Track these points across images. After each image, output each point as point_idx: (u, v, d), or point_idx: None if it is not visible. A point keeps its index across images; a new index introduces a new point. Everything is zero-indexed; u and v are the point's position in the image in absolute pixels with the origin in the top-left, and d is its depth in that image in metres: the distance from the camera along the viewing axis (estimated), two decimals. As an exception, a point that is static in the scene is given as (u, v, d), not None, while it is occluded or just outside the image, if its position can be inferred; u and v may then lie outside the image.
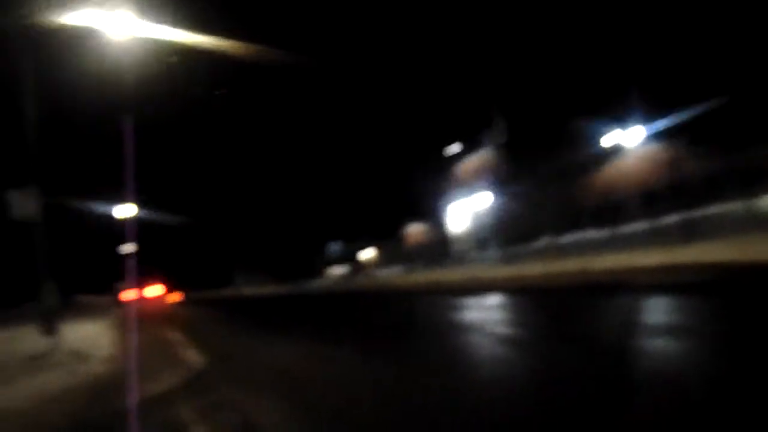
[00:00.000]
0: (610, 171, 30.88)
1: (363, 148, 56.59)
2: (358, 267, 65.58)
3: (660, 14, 26.27)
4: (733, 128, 20.68)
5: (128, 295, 63.96)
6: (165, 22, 13.48)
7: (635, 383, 5.20)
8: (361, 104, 59.99)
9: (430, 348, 8.98)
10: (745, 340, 6.24)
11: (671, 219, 19.00)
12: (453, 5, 37.16)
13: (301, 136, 78.83)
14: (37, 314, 14.88)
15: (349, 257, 69.31)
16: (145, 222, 60.68)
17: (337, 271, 71.38)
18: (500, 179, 39.44)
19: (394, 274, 47.34)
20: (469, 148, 43.69)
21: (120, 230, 52.15)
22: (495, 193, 39.93)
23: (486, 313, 13.15)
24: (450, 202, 45.93)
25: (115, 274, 59.47)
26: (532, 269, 21.10)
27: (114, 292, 62.61)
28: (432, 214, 48.93)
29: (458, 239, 45.30)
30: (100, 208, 41.95)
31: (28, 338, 14.72)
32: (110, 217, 44.00)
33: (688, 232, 17.19)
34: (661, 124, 26.69)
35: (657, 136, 27.46)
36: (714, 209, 17.76)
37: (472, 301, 15.92)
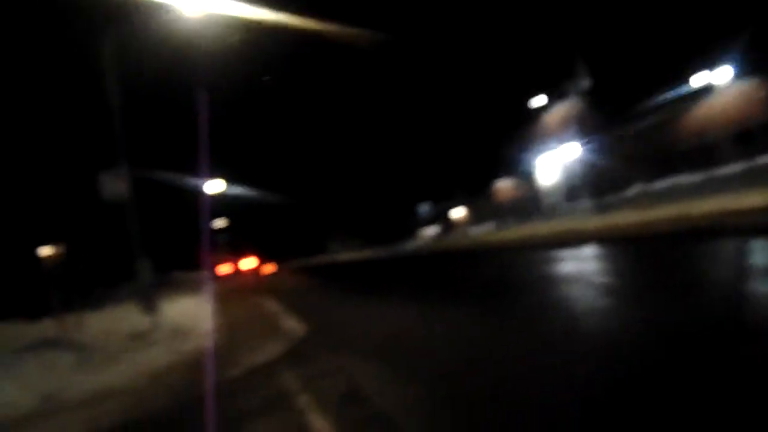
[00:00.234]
0: (701, 112, 29.72)
1: (449, 106, 56.15)
2: (450, 226, 65.55)
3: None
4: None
5: (223, 269, 65.99)
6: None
7: (753, 332, 4.86)
8: (447, 62, 59.42)
9: (532, 302, 8.78)
10: None
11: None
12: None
13: (388, 99, 78.75)
14: (135, 293, 15.39)
15: (440, 217, 69.32)
16: (237, 196, 62.15)
17: (430, 231, 71.56)
18: (588, 128, 38.65)
19: (485, 231, 47.06)
20: (555, 98, 42.86)
21: (212, 205, 53.66)
22: (583, 142, 39.25)
23: (584, 264, 12.77)
24: (538, 156, 45.26)
25: (210, 249, 61.33)
26: (626, 218, 20.45)
27: (209, 267, 64.63)
28: (521, 169, 48.29)
29: (548, 192, 44.81)
30: (190, 183, 43.08)
31: (128, 317, 15.24)
32: (202, 193, 45.11)
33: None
34: (753, 59, 25.28)
35: (749, 73, 26.07)
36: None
37: (567, 254, 15.52)
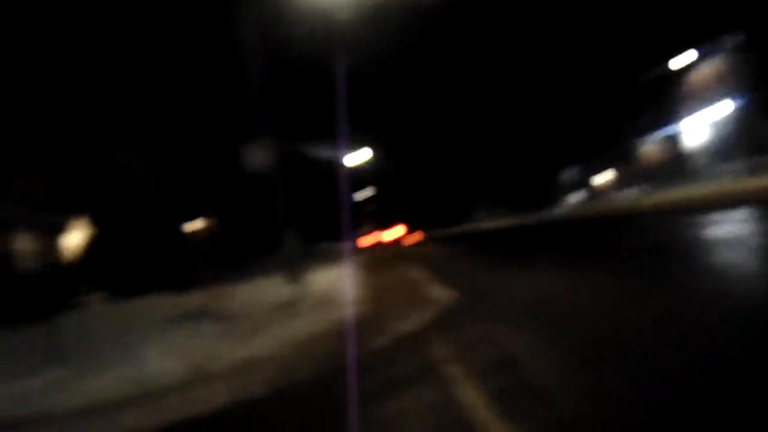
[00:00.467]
0: None
1: (592, 66, 54.25)
2: (595, 191, 64.06)
3: None
4: None
5: (369, 238, 67.06)
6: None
7: None
8: (585, 16, 57.33)
9: (686, 268, 8.31)
10: None
11: None
12: None
13: (531, 61, 77.13)
14: (282, 264, 15.75)
15: (584, 182, 67.80)
16: (382, 165, 62.85)
17: (574, 197, 70.29)
18: (739, 85, 36.22)
19: (632, 196, 45.67)
20: (704, 54, 40.30)
21: (357, 175, 54.56)
22: (734, 101, 36.99)
23: (740, 227, 11.91)
24: (685, 116, 43.06)
25: (356, 219, 62.52)
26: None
27: (355, 237, 65.86)
28: (667, 130, 46.16)
29: (697, 154, 42.73)
30: (336, 154, 43.91)
31: (274, 287, 15.63)
32: (347, 163, 45.91)
33: None
34: None
35: None
36: None
37: (720, 217, 14.60)
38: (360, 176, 60.92)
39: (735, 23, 35.29)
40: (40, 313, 15.43)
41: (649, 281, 7.82)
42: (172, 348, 8.83)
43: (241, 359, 8.24)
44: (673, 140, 46.31)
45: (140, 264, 27.66)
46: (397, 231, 74.25)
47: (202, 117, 39.14)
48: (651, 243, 13.01)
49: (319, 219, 49.32)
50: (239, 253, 39.21)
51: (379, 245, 65.44)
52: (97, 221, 27.54)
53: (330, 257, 33.81)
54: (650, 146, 51.12)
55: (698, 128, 42.74)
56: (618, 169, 58.01)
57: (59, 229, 26.10)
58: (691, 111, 42.40)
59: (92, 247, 27.17)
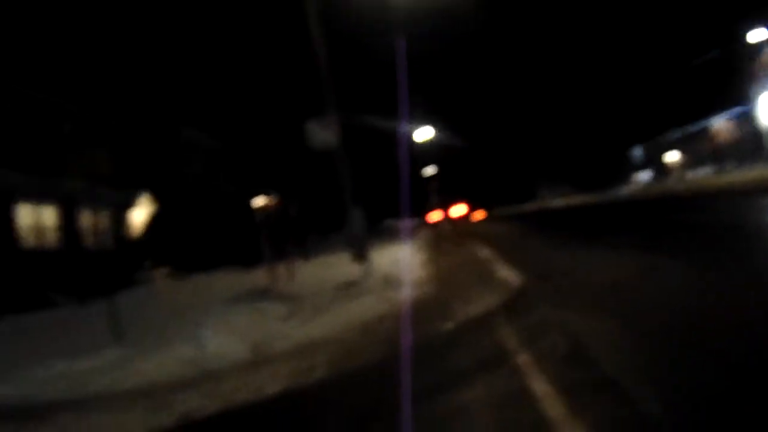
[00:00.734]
0: None
1: (663, 43, 52.79)
2: (664, 170, 62.63)
3: None
4: None
5: (434, 216, 66.81)
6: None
7: None
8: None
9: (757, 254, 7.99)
10: None
11: None
12: None
13: (599, 39, 75.43)
14: (347, 241, 15.58)
15: (653, 161, 66.32)
16: (447, 143, 62.44)
17: (643, 176, 68.96)
18: None
19: (703, 176, 44.47)
20: None
21: (422, 153, 54.24)
22: None
23: None
24: (759, 93, 41.41)
25: (420, 197, 62.26)
26: None
27: (420, 215, 65.68)
28: (741, 109, 44.58)
29: None
30: (401, 132, 43.71)
31: (339, 265, 15.51)
32: (412, 141, 45.62)
33: None
34: None
35: None
36: None
37: None
38: (424, 154, 60.53)
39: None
40: (106, 289, 15.63)
41: (725, 267, 7.53)
42: (233, 328, 8.72)
43: (303, 340, 8.08)
44: (747, 118, 44.82)
45: (204, 240, 27.92)
46: (460, 209, 73.79)
47: (268, 94, 39.33)
48: (724, 226, 12.48)
49: (384, 196, 49.23)
50: (304, 230, 39.38)
51: (445, 222, 65.16)
52: (160, 197, 27.83)
53: (395, 235, 33.65)
54: (723, 124, 49.64)
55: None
56: (688, 147, 56.55)
57: (126, 205, 26.48)
58: (764, 88, 40.92)
59: (155, 223, 27.50)
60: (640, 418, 3.48)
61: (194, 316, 9.53)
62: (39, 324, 12.52)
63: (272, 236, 19.98)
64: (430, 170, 69.04)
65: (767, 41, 39.95)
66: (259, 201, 35.42)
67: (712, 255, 8.84)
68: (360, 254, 14.44)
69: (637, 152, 71.28)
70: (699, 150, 52.68)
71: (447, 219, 69.15)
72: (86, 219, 23.35)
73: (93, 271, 20.76)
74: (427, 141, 50.18)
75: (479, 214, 76.14)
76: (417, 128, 47.53)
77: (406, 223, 42.38)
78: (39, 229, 20.72)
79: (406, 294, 10.86)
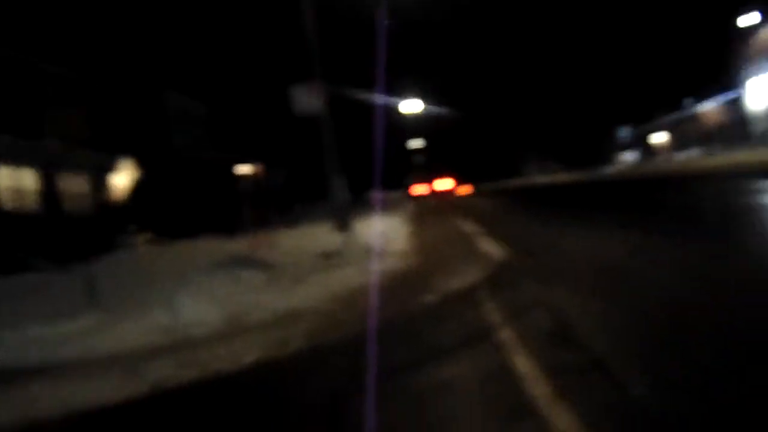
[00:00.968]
0: None
1: (652, 22, 52.69)
2: (650, 151, 62.89)
3: None
4: None
5: (418, 189, 66.70)
6: None
7: None
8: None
9: (752, 238, 7.88)
10: None
11: None
12: None
13: (587, 13, 75.11)
14: (329, 210, 15.41)
15: (640, 141, 66.55)
16: (434, 116, 62.18)
17: (629, 156, 69.30)
18: None
19: (689, 158, 44.78)
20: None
21: (409, 125, 53.99)
22: None
23: None
24: (748, 78, 41.51)
25: (405, 169, 62.10)
26: None
27: (404, 186, 65.52)
28: (728, 91, 44.69)
29: (758, 117, 41.37)
30: (388, 103, 43.39)
31: (321, 235, 15.35)
32: (399, 112, 45.34)
33: None
34: None
35: None
36: None
37: None
38: (411, 126, 60.32)
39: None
40: (86, 253, 15.41)
41: (709, 246, 7.58)
42: (212, 296, 8.55)
43: (281, 310, 7.92)
44: (734, 102, 44.93)
45: (186, 207, 27.66)
46: (446, 183, 73.64)
47: (255, 60, 38.86)
48: (712, 209, 12.45)
49: (370, 167, 49.01)
50: (288, 198, 39.14)
51: (430, 195, 65.11)
52: (143, 162, 27.50)
53: (380, 206, 33.51)
54: (710, 107, 49.75)
55: (761, 91, 41.32)
56: (675, 129, 56.72)
57: (108, 169, 26.14)
58: (753, 73, 40.99)
59: (138, 189, 27.20)
60: (628, 400, 3.34)
61: (172, 283, 9.34)
62: (15, 288, 12.28)
63: (254, 204, 19.78)
64: (417, 143, 68.88)
65: (758, 26, 39.83)
66: (244, 168, 35.15)
67: (689, 233, 8.90)
68: (343, 224, 14.29)
69: (625, 132, 71.41)
70: (687, 132, 52.84)
71: (432, 192, 69.07)
72: (66, 182, 22.99)
73: (73, 236, 20.51)
74: (414, 114, 49.92)
75: (465, 189, 76.00)
76: (405, 101, 47.20)
77: (391, 195, 42.26)
78: (18, 192, 20.39)
79: (388, 265, 10.73)
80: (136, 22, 31.45)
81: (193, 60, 35.23)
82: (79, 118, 23.76)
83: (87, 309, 8.85)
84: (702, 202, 14.22)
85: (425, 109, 53.73)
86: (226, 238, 18.31)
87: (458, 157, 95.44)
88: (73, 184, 23.51)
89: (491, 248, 11.04)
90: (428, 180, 71.86)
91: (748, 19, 39.06)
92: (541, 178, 76.08)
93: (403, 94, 45.03)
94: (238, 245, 15.20)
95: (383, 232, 16.74)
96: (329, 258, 11.79)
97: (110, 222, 24.39)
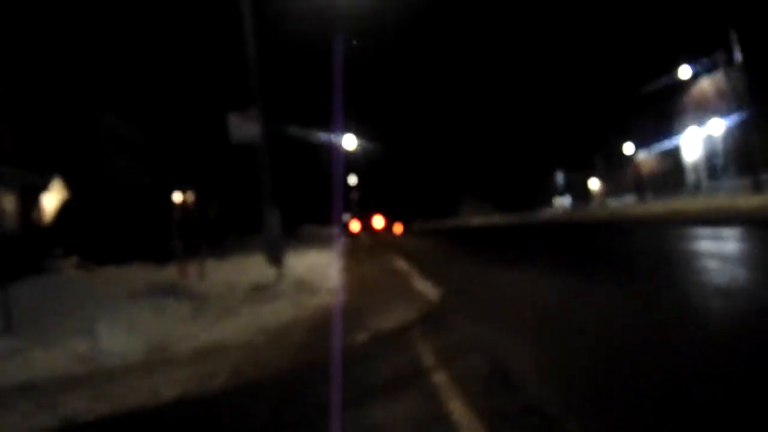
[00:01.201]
0: None
1: (588, 72, 54.17)
2: (586, 196, 64.23)
3: None
4: None
5: (352, 226, 66.56)
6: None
7: None
8: (584, 24, 57.22)
9: (691, 287, 7.77)
10: None
11: None
12: None
13: (526, 62, 76.71)
14: (262, 242, 15.07)
15: (575, 186, 67.92)
16: (368, 153, 62.30)
17: (564, 200, 70.56)
18: (737, 102, 36.28)
19: (624, 204, 45.96)
20: (702, 70, 40.20)
21: (343, 162, 53.93)
22: (731, 117, 37.56)
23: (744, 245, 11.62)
24: (682, 129, 43.21)
25: (342, 205, 61.90)
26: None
27: (339, 223, 65.32)
28: (663, 142, 46.31)
29: (692, 167, 43.04)
30: (323, 138, 43.30)
31: (253, 267, 15.00)
32: (334, 148, 45.27)
33: None
34: None
35: None
36: None
37: (727, 233, 14.36)
38: (348, 162, 60.30)
39: (736, 40, 35.10)
40: (8, 275, 14.73)
41: (644, 295, 7.46)
42: (133, 324, 8.16)
43: (207, 343, 7.57)
44: (669, 152, 46.37)
45: (117, 232, 26.90)
46: (380, 220, 73.79)
47: (195, 90, 38.40)
48: (650, 254, 12.63)
49: (303, 201, 48.79)
50: (221, 229, 38.53)
51: (363, 232, 65.06)
52: (72, 183, 26.69)
53: (315, 240, 33.21)
54: (645, 155, 51.15)
55: (694, 142, 42.71)
56: (611, 176, 58.04)
57: (39, 188, 25.29)
58: (688, 125, 42.39)
59: (66, 210, 26.35)
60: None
61: (94, 310, 8.90)
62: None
63: (185, 233, 19.30)
64: (351, 180, 68.86)
65: (691, 81, 41.15)
66: (177, 196, 34.47)
67: (629, 279, 8.91)
68: (276, 257, 13.96)
69: (560, 177, 72.69)
70: (621, 179, 54.21)
71: (366, 229, 69.02)
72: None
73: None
74: (348, 150, 49.93)
75: (399, 227, 76.19)
76: (343, 136, 47.21)
77: (325, 230, 42.02)
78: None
79: (320, 301, 10.47)
80: (75, 46, 30.76)
81: (134, 86, 34.60)
82: (5, 134, 22.98)
83: (0, 334, 8.34)
84: (634, 248, 14.43)
85: (361, 145, 53.84)
86: (156, 266, 17.81)
87: (393, 196, 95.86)
88: (3, 203, 22.64)
89: (424, 288, 10.88)
90: (362, 217, 71.89)
91: (683, 73, 40.33)
92: (476, 220, 76.79)
93: (342, 129, 45.00)
94: (168, 274, 14.75)
95: (316, 267, 16.48)
96: (260, 291, 11.47)
97: (37, 243, 23.50)
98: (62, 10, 30.79)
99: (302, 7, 24.22)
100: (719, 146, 39.82)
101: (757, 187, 28.19)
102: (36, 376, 6.60)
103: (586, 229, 25.84)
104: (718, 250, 11.27)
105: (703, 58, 38.89)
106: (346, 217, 67.70)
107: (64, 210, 26.31)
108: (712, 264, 9.39)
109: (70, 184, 26.63)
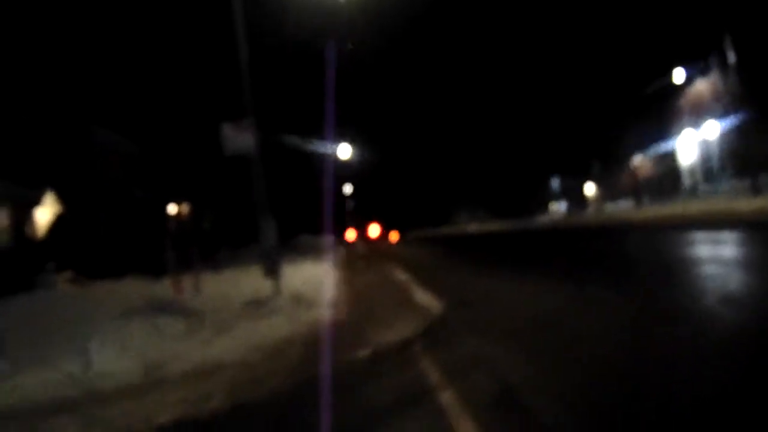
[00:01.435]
0: None
1: (585, 76, 54.04)
2: (583, 202, 64.06)
3: None
4: None
5: (349, 235, 66.30)
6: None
7: None
8: (578, 29, 57.26)
9: (697, 292, 7.63)
10: None
11: None
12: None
13: (519, 67, 76.75)
14: (257, 255, 14.81)
15: (572, 192, 67.71)
16: (364, 163, 62.18)
17: (561, 206, 70.39)
18: (733, 105, 36.30)
19: (621, 209, 45.87)
20: (698, 73, 40.20)
21: (339, 171, 53.78)
22: (727, 120, 37.52)
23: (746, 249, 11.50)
24: (678, 133, 43.22)
25: (335, 215, 61.65)
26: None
27: (335, 233, 65.07)
28: (659, 146, 46.30)
29: (688, 171, 43.00)
30: (319, 148, 43.16)
31: (248, 280, 14.77)
32: (330, 158, 45.12)
33: None
34: None
35: None
36: None
37: (727, 236, 14.21)
38: (344, 172, 60.18)
39: (731, 42, 35.10)
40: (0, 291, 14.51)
41: (653, 303, 7.30)
42: (127, 344, 7.91)
43: (202, 362, 7.31)
44: (665, 156, 46.29)
45: (111, 245, 26.63)
46: (376, 229, 73.52)
47: (189, 102, 38.18)
48: (652, 260, 12.41)
49: (299, 211, 48.52)
50: (218, 242, 38.25)
51: (360, 242, 64.83)
52: (65, 197, 26.41)
53: (309, 252, 32.95)
54: (641, 160, 51.05)
55: (690, 146, 42.64)
56: (607, 180, 57.88)
57: (31, 202, 25.02)
58: (683, 128, 42.32)
59: (59, 224, 26.05)
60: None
61: (85, 328, 8.64)
62: None
63: (179, 246, 19.02)
64: (347, 189, 68.74)
65: (687, 82, 41.10)
66: (172, 208, 34.20)
67: (629, 287, 8.78)
68: (272, 270, 13.71)
69: (557, 181, 72.52)
70: (618, 184, 54.10)
71: (363, 238, 68.77)
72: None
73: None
74: (343, 160, 49.78)
75: (395, 236, 75.96)
76: (338, 146, 47.08)
77: (320, 240, 41.78)
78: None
79: (318, 315, 10.23)
80: (67, 59, 30.54)
81: (127, 98, 34.37)
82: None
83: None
84: (635, 255, 14.30)
85: (357, 154, 53.73)
86: (151, 280, 17.53)
87: (389, 204, 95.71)
88: None
89: (425, 299, 10.68)
90: (359, 226, 71.64)
91: (678, 76, 40.29)
92: (472, 227, 76.58)
93: (337, 139, 44.86)
94: (162, 288, 14.47)
95: (314, 279, 16.23)
96: (256, 305, 11.21)
97: (30, 258, 23.20)
98: (54, 24, 30.56)
99: (296, 17, 24.06)
100: (715, 149, 39.76)
101: (755, 190, 28.03)
102: (24, 400, 6.35)
103: (584, 235, 25.65)
104: (733, 256, 11.08)
105: (698, 61, 38.90)
106: (344, 226, 67.52)
107: (57, 224, 26.02)
108: (733, 274, 9.16)
109: (63, 197, 26.36)
